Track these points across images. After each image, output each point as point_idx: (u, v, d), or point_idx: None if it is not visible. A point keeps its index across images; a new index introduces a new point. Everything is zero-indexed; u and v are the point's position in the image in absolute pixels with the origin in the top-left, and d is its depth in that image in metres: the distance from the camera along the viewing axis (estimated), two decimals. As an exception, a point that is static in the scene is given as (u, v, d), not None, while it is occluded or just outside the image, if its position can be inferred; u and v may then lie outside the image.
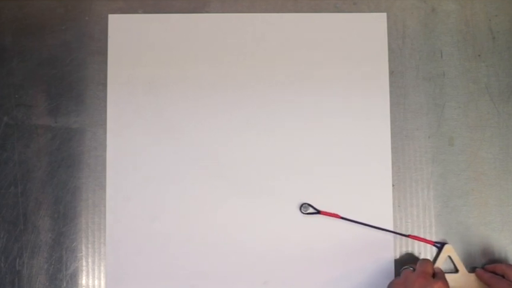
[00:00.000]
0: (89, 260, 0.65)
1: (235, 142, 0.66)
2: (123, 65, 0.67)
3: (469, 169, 0.66)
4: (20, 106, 0.66)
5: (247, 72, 0.67)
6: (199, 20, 0.67)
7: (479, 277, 0.62)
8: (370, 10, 0.68)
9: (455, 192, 0.65)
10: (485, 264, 0.64)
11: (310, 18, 0.67)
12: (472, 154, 0.66)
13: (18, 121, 0.66)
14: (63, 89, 0.66)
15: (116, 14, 0.67)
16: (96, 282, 0.64)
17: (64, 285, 0.64)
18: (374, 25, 0.67)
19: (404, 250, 0.64)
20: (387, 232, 0.64)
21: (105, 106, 0.66)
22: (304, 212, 0.64)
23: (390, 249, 0.64)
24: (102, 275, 0.64)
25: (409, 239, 0.64)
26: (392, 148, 0.66)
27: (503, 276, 0.59)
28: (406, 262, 0.64)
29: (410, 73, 0.67)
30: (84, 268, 0.64)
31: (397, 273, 0.64)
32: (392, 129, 0.66)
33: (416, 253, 0.64)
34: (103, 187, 0.65)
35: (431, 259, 0.64)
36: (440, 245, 0.64)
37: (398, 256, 0.64)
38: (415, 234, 0.64)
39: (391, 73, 0.67)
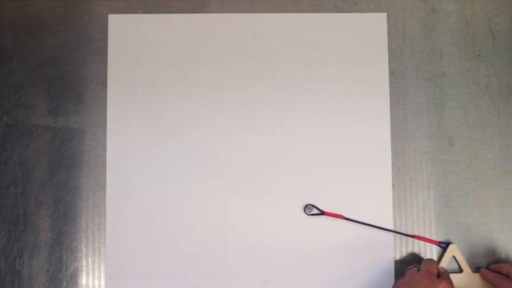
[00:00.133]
0: (89, 260, 0.65)
1: (235, 142, 0.66)
2: (123, 65, 0.67)
3: (469, 169, 0.66)
4: (20, 106, 0.66)
5: (247, 72, 0.67)
6: (199, 20, 0.67)
7: (484, 277, 0.62)
8: (370, 10, 0.68)
9: (455, 192, 0.65)
10: (489, 264, 0.64)
11: (310, 18, 0.67)
12: (472, 154, 0.66)
13: (18, 121, 0.66)
14: (63, 89, 0.66)
15: (116, 14, 0.67)
16: (96, 282, 0.64)
17: (64, 285, 0.64)
18: (374, 25, 0.67)
19: (404, 250, 0.64)
20: (388, 232, 0.64)
21: (105, 106, 0.66)
22: (308, 213, 0.64)
23: (390, 249, 0.64)
24: (102, 275, 0.64)
25: (409, 239, 0.64)
26: (392, 148, 0.66)
27: (507, 276, 0.59)
28: (407, 262, 0.64)
29: (410, 73, 0.67)
30: (84, 268, 0.64)
31: (397, 273, 0.64)
32: (392, 129, 0.66)
33: (416, 253, 0.64)
34: (103, 187, 0.65)
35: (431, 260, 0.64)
36: (444, 245, 0.64)
37: (398, 257, 0.64)
38: (415, 234, 0.64)
39: (391, 73, 0.67)
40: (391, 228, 0.64)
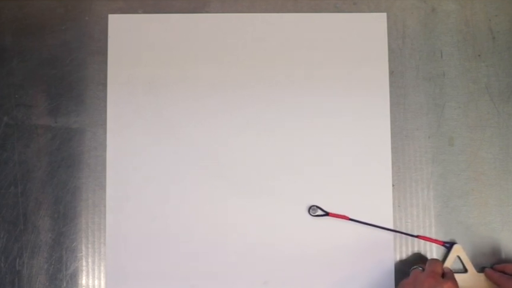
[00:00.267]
0: (89, 260, 0.65)
1: (235, 142, 0.66)
2: (123, 65, 0.67)
3: (469, 169, 0.66)
4: (20, 106, 0.66)
5: (247, 72, 0.67)
6: (199, 20, 0.67)
7: (488, 277, 0.62)
8: (370, 10, 0.68)
9: (455, 192, 0.65)
10: (493, 264, 0.64)
11: (310, 18, 0.67)
12: (472, 154, 0.66)
13: (18, 121, 0.66)
14: (63, 89, 0.66)
15: (116, 14, 0.67)
16: (96, 282, 0.64)
17: (64, 285, 0.64)
18: (374, 25, 0.67)
19: (404, 250, 0.64)
20: (387, 233, 0.64)
21: (105, 106, 0.66)
22: (313, 214, 0.64)
23: (391, 250, 0.64)
24: (102, 275, 0.64)
25: (409, 239, 0.64)
26: (392, 148, 0.66)
27: None
28: (409, 263, 0.64)
29: (410, 73, 0.67)
30: (84, 268, 0.64)
31: (397, 273, 0.64)
32: (392, 129, 0.66)
33: (418, 252, 0.64)
34: (103, 187, 0.65)
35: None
36: (449, 245, 0.63)
37: (399, 258, 0.64)
38: (415, 234, 0.64)
39: (391, 73, 0.67)
40: (392, 228, 0.64)
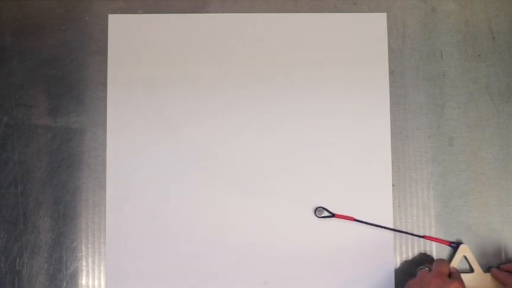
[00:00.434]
0: (89, 260, 0.65)
1: (235, 142, 0.66)
2: (123, 65, 0.67)
3: (469, 169, 0.66)
4: (20, 106, 0.66)
5: (247, 72, 0.67)
6: (199, 20, 0.67)
7: (495, 277, 0.62)
8: (370, 10, 0.68)
9: (455, 192, 0.65)
10: (500, 264, 0.64)
11: (310, 18, 0.67)
12: (472, 154, 0.66)
13: (18, 121, 0.66)
14: (63, 89, 0.66)
15: (116, 14, 0.67)
16: (96, 282, 0.64)
17: (64, 285, 0.64)
18: (374, 25, 0.67)
19: (404, 250, 0.64)
20: (388, 233, 0.64)
21: (105, 106, 0.66)
22: (319, 215, 0.64)
23: (391, 250, 0.64)
24: (102, 275, 0.64)
25: (409, 240, 0.64)
26: (392, 148, 0.66)
27: None
28: (409, 262, 0.64)
29: (410, 73, 0.67)
30: (84, 268, 0.64)
31: (397, 273, 0.64)
32: (392, 129, 0.66)
33: (417, 254, 0.64)
34: (103, 187, 0.65)
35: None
36: (455, 245, 0.63)
37: (398, 258, 0.64)
38: (415, 234, 0.64)
39: (391, 73, 0.67)
40: (393, 228, 0.64)
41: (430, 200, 0.65)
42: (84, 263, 0.65)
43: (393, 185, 0.65)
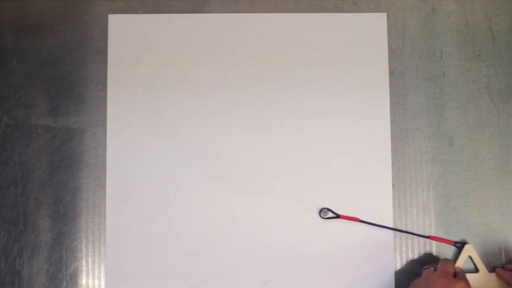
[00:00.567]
0: (89, 260, 0.65)
1: (235, 142, 0.66)
2: (123, 65, 0.67)
3: (469, 169, 0.66)
4: (20, 106, 0.66)
5: (247, 72, 0.67)
6: (199, 20, 0.67)
7: (500, 277, 0.62)
8: (370, 10, 0.68)
9: (455, 192, 0.65)
10: (505, 264, 0.64)
11: (310, 18, 0.67)
12: (472, 154, 0.66)
13: (18, 121, 0.66)
14: (63, 89, 0.66)
15: (116, 14, 0.67)
16: (96, 282, 0.64)
17: (64, 285, 0.64)
18: (374, 25, 0.67)
19: (404, 250, 0.64)
20: (388, 233, 0.64)
21: (105, 106, 0.66)
22: (324, 217, 0.64)
23: (391, 250, 0.64)
24: (102, 275, 0.64)
25: (409, 240, 0.64)
26: (392, 148, 0.66)
27: None
28: (408, 263, 0.64)
29: (410, 73, 0.67)
30: (84, 268, 0.64)
31: (398, 273, 0.64)
32: (392, 129, 0.66)
33: (417, 254, 0.64)
34: (103, 187, 0.65)
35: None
36: (460, 245, 0.63)
37: (398, 258, 0.64)
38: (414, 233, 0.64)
39: (391, 73, 0.67)
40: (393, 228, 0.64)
41: (430, 200, 0.65)
42: (84, 263, 0.65)
43: (393, 185, 0.65)
